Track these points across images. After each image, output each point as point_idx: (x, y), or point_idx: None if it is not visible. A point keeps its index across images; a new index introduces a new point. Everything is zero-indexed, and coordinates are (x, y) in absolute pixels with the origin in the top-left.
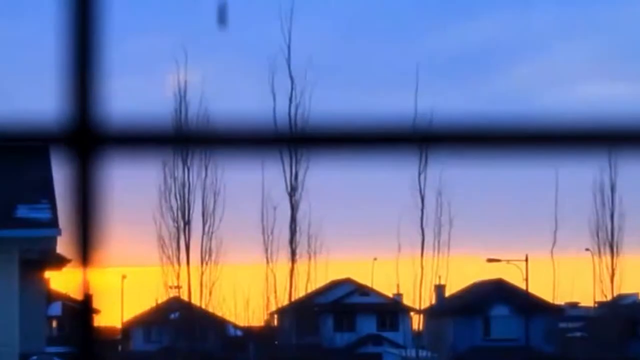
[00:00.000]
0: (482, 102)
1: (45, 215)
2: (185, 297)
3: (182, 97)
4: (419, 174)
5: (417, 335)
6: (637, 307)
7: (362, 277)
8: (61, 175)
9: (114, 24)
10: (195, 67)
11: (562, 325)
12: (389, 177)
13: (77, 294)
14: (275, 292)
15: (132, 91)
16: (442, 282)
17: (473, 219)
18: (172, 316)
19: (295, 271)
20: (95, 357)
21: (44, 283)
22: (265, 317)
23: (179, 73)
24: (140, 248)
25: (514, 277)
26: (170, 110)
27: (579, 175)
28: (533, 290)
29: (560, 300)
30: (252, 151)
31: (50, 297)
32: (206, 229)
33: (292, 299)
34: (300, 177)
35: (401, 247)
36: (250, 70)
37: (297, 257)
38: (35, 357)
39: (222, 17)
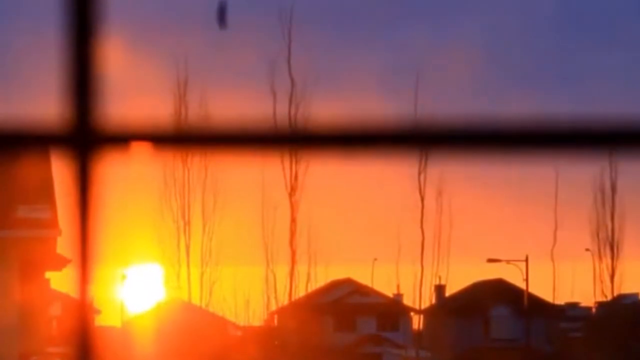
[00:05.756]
0: None
1: (45, 215)
2: (185, 297)
3: (182, 97)
4: (419, 174)
5: (417, 335)
6: (637, 307)
7: (362, 278)
8: (61, 175)
9: (114, 23)
10: (196, 68)
11: (562, 325)
12: (389, 177)
13: (77, 294)
14: (276, 292)
15: (132, 91)
16: (442, 282)
17: (473, 218)
18: (173, 316)
19: (295, 271)
20: (95, 357)
21: (44, 283)
22: (265, 317)
23: (178, 73)
24: (141, 248)
25: (514, 277)
26: (170, 110)
27: (579, 175)
28: (533, 290)
29: (560, 300)
30: (252, 151)
31: (50, 297)
32: (206, 229)
33: (292, 299)
34: (300, 178)
35: (401, 247)
36: (251, 70)
37: (297, 257)
38: (35, 357)
39: (222, 17)
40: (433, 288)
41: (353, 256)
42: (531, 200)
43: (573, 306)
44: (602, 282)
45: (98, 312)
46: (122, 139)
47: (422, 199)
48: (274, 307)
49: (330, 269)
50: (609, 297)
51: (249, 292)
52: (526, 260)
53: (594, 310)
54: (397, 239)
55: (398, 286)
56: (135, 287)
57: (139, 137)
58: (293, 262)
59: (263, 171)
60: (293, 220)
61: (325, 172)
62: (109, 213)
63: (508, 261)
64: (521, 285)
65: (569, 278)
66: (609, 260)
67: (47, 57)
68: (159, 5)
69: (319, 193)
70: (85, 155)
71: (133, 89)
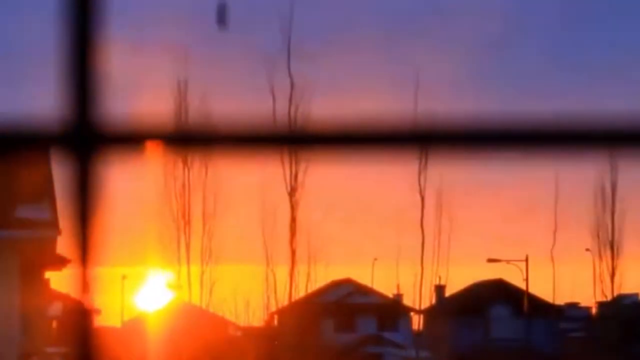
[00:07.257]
0: None
1: (45, 215)
2: (185, 297)
3: (182, 97)
4: (419, 174)
5: (417, 335)
6: (637, 307)
7: (362, 277)
8: (61, 175)
9: (114, 22)
10: (195, 67)
11: (562, 325)
12: (389, 177)
13: (77, 294)
14: (276, 292)
15: (133, 90)
16: (442, 282)
17: (473, 218)
18: (173, 316)
19: (295, 271)
20: (94, 357)
21: (44, 283)
22: (265, 317)
23: (179, 73)
24: (141, 248)
25: (514, 277)
26: (170, 110)
27: (579, 175)
28: (533, 290)
29: (560, 300)
30: (252, 151)
31: (50, 297)
32: (206, 229)
33: (292, 299)
34: (300, 177)
35: (401, 247)
36: (250, 70)
37: (297, 257)
38: (35, 358)
39: (221, 17)
40: (433, 288)
41: (353, 256)
42: (531, 200)
43: (573, 306)
44: (602, 282)
45: (98, 312)
46: (122, 138)
47: (422, 199)
48: (274, 307)
49: (330, 269)
50: (609, 297)
51: (249, 292)
52: (526, 260)
53: (594, 310)
54: (397, 239)
55: (398, 286)
56: (135, 287)
57: (139, 137)
58: (293, 262)
59: (263, 171)
60: (293, 220)
61: (325, 172)
62: (109, 213)
63: (508, 261)
64: (521, 285)
65: (569, 278)
66: (609, 260)
67: (47, 56)
68: (159, 4)
69: (319, 193)
70: (85, 155)
71: (133, 88)
